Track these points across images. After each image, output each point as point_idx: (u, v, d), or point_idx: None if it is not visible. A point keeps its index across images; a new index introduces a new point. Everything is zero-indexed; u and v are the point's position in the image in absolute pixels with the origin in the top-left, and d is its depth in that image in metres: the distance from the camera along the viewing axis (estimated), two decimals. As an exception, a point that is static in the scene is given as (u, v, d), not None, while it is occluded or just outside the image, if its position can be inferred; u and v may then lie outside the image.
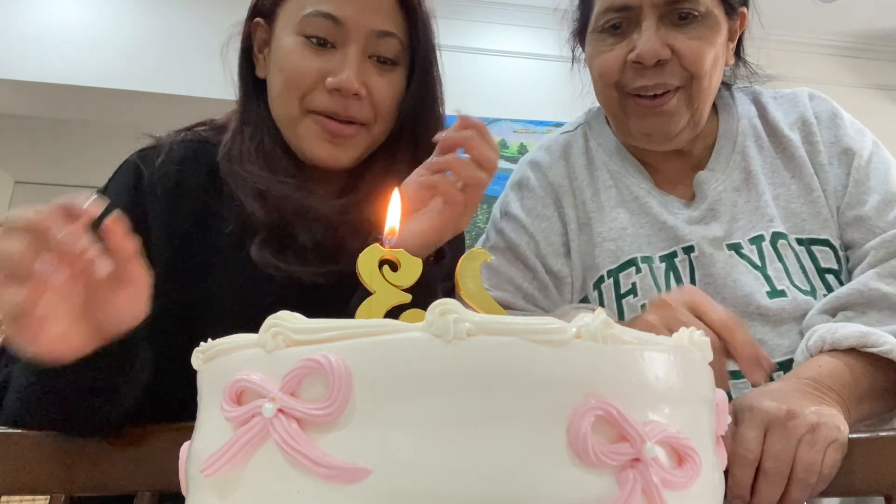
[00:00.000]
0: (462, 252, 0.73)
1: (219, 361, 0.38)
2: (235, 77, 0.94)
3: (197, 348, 0.40)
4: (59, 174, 5.04)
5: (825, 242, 0.88)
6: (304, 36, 0.81)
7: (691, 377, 0.38)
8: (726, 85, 1.00)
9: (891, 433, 0.63)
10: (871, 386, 0.73)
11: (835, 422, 0.63)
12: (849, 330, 0.74)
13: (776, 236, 0.89)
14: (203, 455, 0.35)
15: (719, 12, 0.88)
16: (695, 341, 0.40)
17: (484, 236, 1.03)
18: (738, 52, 0.98)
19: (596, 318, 0.34)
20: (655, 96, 0.87)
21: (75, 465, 0.65)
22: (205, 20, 3.37)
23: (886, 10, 3.58)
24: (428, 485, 0.31)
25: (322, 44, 0.81)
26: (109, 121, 3.94)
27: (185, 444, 0.41)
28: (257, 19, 0.88)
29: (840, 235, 0.89)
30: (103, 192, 0.85)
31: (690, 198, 0.94)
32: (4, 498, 0.66)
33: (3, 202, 4.94)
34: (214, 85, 3.61)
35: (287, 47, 0.82)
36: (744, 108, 0.98)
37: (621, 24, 0.88)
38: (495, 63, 3.48)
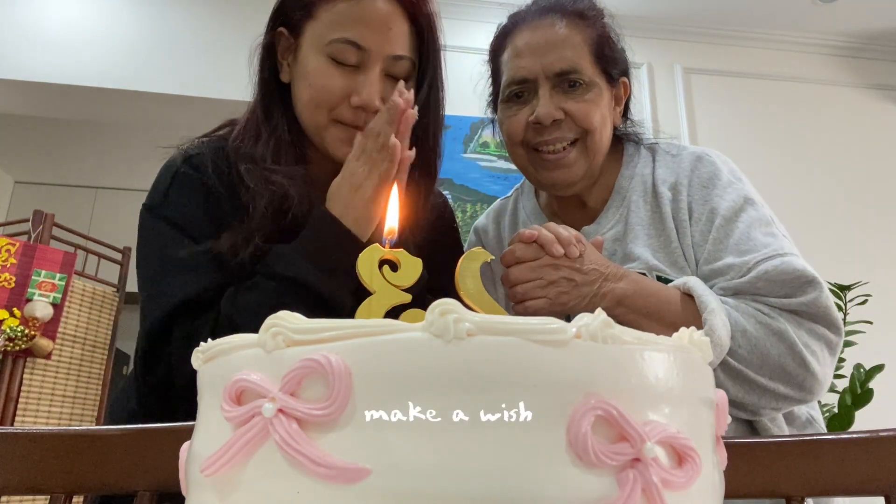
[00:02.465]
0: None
1: (218, 361, 0.38)
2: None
3: (197, 348, 0.40)
4: (59, 174, 5.04)
5: None
6: (330, 58, 0.92)
7: (691, 377, 0.38)
8: (635, 142, 1.16)
9: (891, 433, 0.63)
10: (665, 304, 0.91)
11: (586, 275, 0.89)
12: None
13: None
14: (203, 455, 0.35)
15: (601, 81, 1.06)
16: (695, 341, 0.40)
17: None
18: (626, 114, 1.16)
19: (596, 318, 0.34)
20: (556, 152, 1.04)
21: (75, 465, 0.65)
22: (204, 20, 3.37)
23: (886, 10, 3.58)
24: (428, 485, 0.31)
25: (346, 65, 0.92)
26: (109, 121, 3.95)
27: (185, 444, 0.41)
28: (281, 29, 0.97)
29: None
30: (165, 203, 0.94)
31: None
32: (4, 498, 0.66)
33: (3, 202, 4.94)
34: (214, 84, 3.62)
35: (314, 66, 0.93)
36: (643, 162, 1.12)
37: (523, 94, 1.06)
38: (495, 63, 3.47)
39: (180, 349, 0.84)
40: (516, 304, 0.91)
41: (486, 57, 1.17)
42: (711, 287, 0.94)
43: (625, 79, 1.12)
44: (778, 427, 0.95)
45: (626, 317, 0.91)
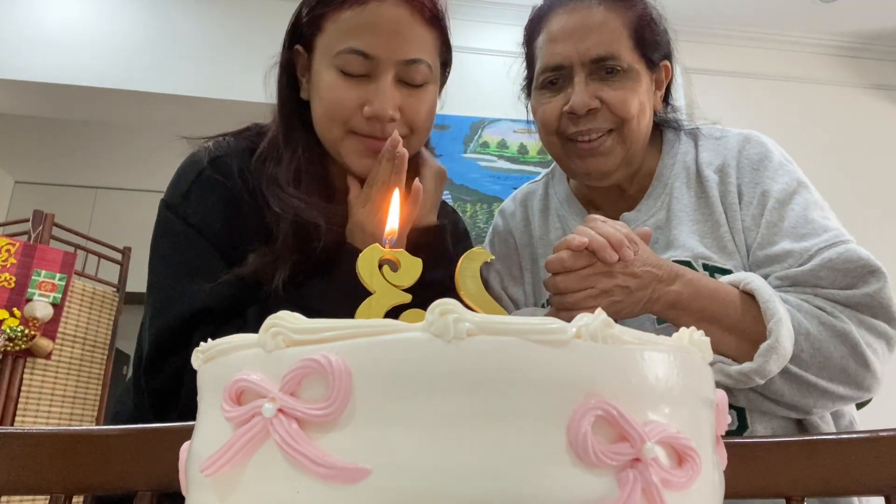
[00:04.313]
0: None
1: (219, 361, 0.38)
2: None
3: (197, 348, 0.40)
4: (59, 174, 5.04)
5: (728, 272, 0.94)
6: (339, 70, 0.90)
7: (691, 377, 0.38)
8: (674, 127, 1.11)
9: (891, 433, 0.63)
10: (724, 304, 0.85)
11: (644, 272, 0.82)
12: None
13: (679, 264, 0.97)
14: (203, 455, 0.35)
15: (640, 66, 1.00)
16: (695, 341, 0.40)
17: None
18: (667, 99, 1.10)
19: (596, 318, 0.34)
20: (591, 140, 0.99)
21: (75, 465, 0.65)
22: (205, 20, 3.37)
23: (886, 10, 3.58)
24: (428, 485, 0.31)
25: (356, 75, 0.90)
26: (109, 121, 3.95)
27: (185, 444, 0.41)
28: (297, 47, 0.97)
29: (748, 268, 0.95)
30: (185, 203, 0.92)
31: None
32: (4, 498, 0.66)
33: (3, 202, 4.94)
34: (215, 84, 3.61)
35: (325, 80, 0.91)
36: (684, 148, 1.07)
37: (557, 81, 1.01)
38: (496, 63, 3.49)
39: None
40: (562, 312, 0.84)
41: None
42: (768, 275, 0.90)
43: (666, 62, 1.06)
44: (826, 424, 0.92)
45: (680, 320, 0.84)
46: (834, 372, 0.85)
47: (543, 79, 1.02)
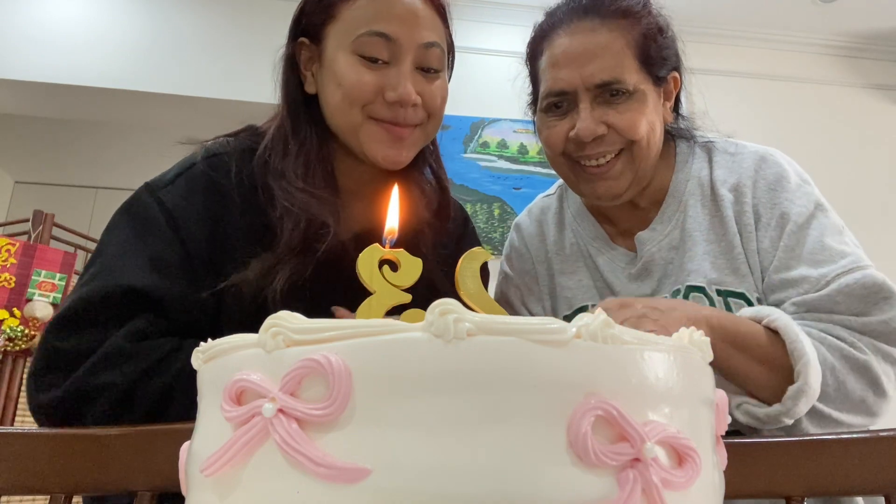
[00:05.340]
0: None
1: (219, 361, 0.38)
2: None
3: (197, 348, 0.40)
4: (59, 174, 5.05)
5: (741, 296, 0.94)
6: (359, 55, 0.90)
7: (691, 377, 0.38)
8: (686, 139, 1.09)
9: (891, 433, 0.63)
10: (751, 338, 0.82)
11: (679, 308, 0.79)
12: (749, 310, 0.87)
13: (690, 289, 0.97)
14: (203, 455, 0.35)
15: (647, 86, 0.98)
16: (695, 341, 0.40)
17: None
18: (677, 108, 1.08)
19: (596, 318, 0.34)
20: (600, 165, 0.97)
21: (75, 465, 0.65)
22: (205, 20, 3.37)
23: (886, 10, 3.58)
24: (428, 485, 0.31)
25: (376, 60, 0.89)
26: (110, 121, 3.95)
27: (185, 444, 0.41)
28: (302, 39, 0.96)
29: (761, 291, 0.95)
30: (167, 188, 0.90)
31: (636, 251, 1.05)
32: (4, 498, 0.66)
33: (3, 202, 4.95)
34: (215, 84, 3.61)
35: (343, 65, 0.90)
36: (698, 164, 1.06)
37: (562, 105, 0.99)
38: (496, 63, 3.49)
39: (122, 341, 0.76)
40: None
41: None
42: (783, 300, 0.90)
43: (675, 73, 1.04)
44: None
45: (715, 345, 0.81)
46: (853, 404, 0.84)
47: (548, 103, 1.00)
